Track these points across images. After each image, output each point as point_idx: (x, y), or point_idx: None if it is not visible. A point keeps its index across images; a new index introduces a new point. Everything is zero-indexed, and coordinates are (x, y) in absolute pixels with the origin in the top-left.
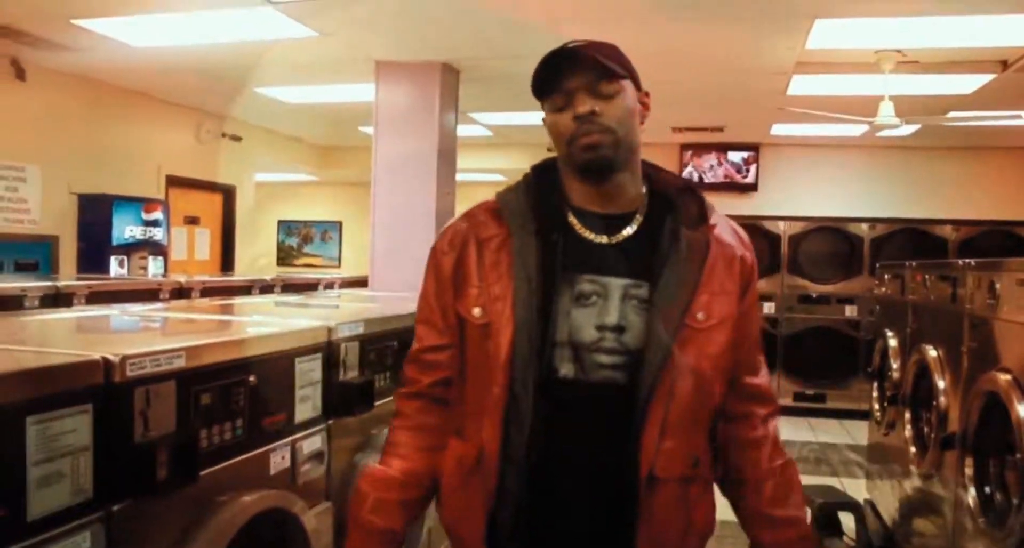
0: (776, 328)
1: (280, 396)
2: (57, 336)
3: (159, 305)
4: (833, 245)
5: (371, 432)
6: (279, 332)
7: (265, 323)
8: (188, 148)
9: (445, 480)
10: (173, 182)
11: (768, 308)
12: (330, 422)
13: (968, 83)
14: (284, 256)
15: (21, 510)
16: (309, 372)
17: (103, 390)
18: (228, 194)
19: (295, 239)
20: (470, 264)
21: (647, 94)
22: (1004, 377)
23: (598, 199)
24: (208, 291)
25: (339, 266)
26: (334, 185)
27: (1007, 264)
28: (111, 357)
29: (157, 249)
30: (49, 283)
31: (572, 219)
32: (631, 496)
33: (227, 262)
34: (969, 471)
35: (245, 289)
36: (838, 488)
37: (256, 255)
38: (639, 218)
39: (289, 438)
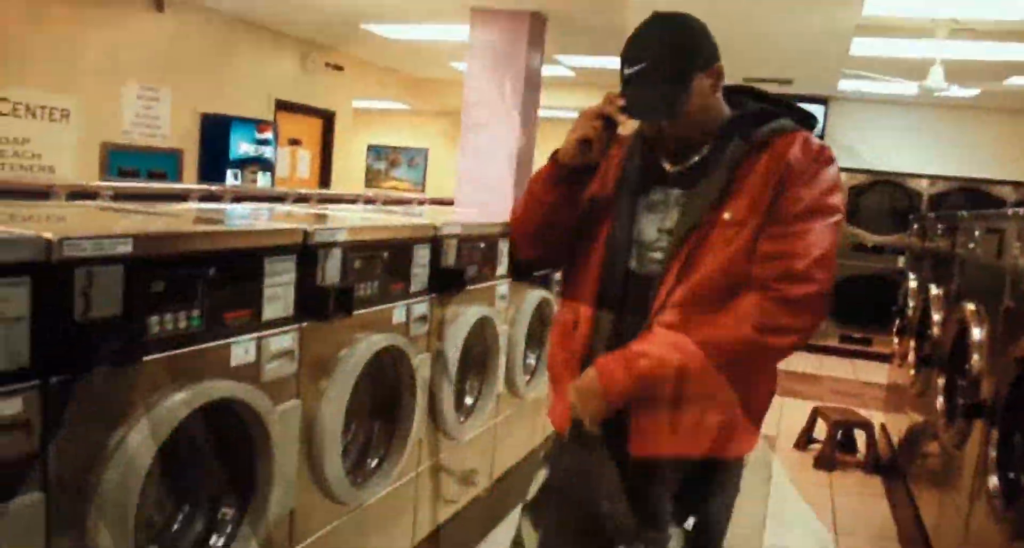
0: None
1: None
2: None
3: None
4: (892, 199)
5: (355, 336)
6: (246, 229)
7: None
8: (295, 76)
9: (551, 337)
10: (280, 106)
11: None
12: (304, 324)
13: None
14: (371, 178)
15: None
16: (281, 272)
17: (41, 266)
18: (328, 119)
19: (383, 163)
20: (600, 172)
21: (719, 67)
22: None
23: (672, 141)
24: (323, 200)
25: (423, 190)
26: (422, 114)
27: None
28: (50, 236)
29: (266, 165)
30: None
31: (657, 151)
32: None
33: (324, 180)
34: (993, 452)
35: (351, 201)
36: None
37: (348, 175)
38: (706, 150)
39: (254, 334)
